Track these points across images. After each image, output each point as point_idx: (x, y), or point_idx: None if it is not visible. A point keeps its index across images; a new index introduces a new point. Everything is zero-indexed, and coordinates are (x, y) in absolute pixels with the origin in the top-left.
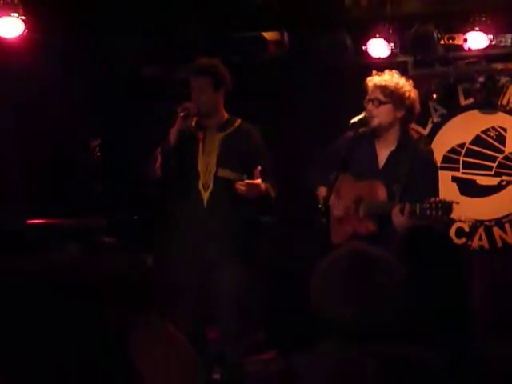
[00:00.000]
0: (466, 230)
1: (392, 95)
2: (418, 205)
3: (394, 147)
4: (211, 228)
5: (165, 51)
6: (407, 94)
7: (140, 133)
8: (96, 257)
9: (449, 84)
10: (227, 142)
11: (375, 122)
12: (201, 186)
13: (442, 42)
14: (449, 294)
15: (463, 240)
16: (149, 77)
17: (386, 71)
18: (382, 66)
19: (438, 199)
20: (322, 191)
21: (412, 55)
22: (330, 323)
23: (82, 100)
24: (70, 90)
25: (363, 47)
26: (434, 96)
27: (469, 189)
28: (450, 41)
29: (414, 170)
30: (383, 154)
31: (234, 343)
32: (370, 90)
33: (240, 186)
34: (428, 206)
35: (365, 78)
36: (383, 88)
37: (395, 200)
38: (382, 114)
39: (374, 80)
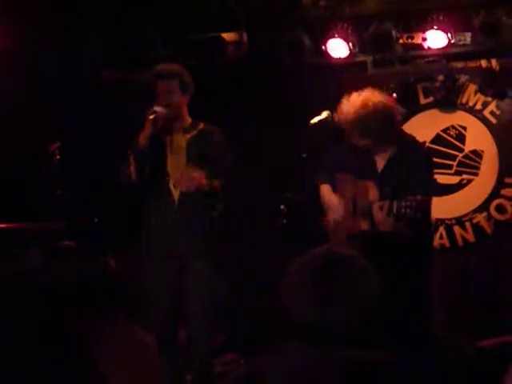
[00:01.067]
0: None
1: (376, 135)
2: (395, 202)
3: (393, 151)
4: (182, 226)
5: (123, 53)
6: (392, 121)
7: (100, 135)
8: (56, 260)
9: (408, 83)
10: (193, 143)
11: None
12: (171, 185)
13: (400, 41)
14: (408, 295)
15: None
16: (108, 78)
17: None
18: (341, 65)
19: (415, 198)
20: (326, 190)
21: (371, 54)
22: (297, 323)
23: (41, 102)
24: (28, 92)
25: (322, 47)
26: (394, 95)
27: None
28: (409, 40)
29: (413, 169)
30: (382, 157)
31: (203, 342)
32: (348, 133)
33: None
34: (404, 204)
35: (324, 78)
36: (363, 131)
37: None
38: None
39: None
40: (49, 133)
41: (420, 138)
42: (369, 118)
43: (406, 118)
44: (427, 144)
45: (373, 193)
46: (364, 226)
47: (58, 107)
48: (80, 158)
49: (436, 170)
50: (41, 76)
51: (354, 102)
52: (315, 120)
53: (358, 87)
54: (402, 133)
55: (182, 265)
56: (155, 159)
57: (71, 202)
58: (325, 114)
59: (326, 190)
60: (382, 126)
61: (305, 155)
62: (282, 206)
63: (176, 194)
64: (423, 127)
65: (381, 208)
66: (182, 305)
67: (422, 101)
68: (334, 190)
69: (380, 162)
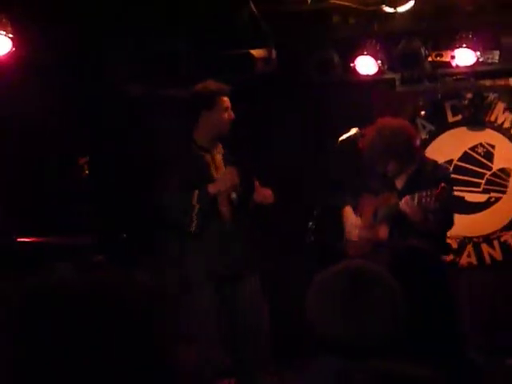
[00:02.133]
0: (455, 246)
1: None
2: (416, 194)
3: (412, 170)
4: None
5: (152, 66)
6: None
7: (128, 150)
8: (92, 274)
9: (437, 101)
10: (225, 161)
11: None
12: (221, 206)
13: (429, 58)
14: (437, 312)
15: (451, 257)
16: (137, 93)
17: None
18: (369, 82)
19: (433, 189)
20: (348, 211)
21: (399, 72)
22: (327, 340)
23: (70, 117)
24: (57, 107)
25: (351, 64)
26: (422, 113)
27: (457, 205)
28: (438, 57)
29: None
30: (401, 177)
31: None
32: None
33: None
34: (424, 194)
35: (353, 95)
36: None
37: None
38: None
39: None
40: (78, 147)
41: (448, 155)
42: (390, 142)
43: (434, 136)
44: (455, 162)
45: (394, 200)
46: (383, 232)
47: (88, 121)
48: (108, 172)
49: (464, 188)
50: (68, 89)
51: (377, 127)
52: (344, 137)
53: (387, 104)
54: (422, 154)
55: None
56: (202, 180)
57: (99, 216)
58: (354, 131)
59: (347, 211)
60: (402, 152)
61: (333, 171)
62: (311, 223)
63: (227, 214)
64: (451, 145)
65: (409, 199)
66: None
67: (450, 119)
68: (356, 211)
69: (399, 182)
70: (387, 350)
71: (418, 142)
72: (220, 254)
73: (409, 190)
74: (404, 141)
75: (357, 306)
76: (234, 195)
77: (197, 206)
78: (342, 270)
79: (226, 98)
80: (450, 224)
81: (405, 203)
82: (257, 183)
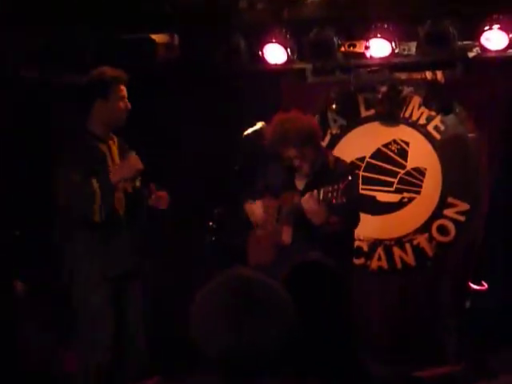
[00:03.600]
0: (365, 249)
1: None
2: (321, 189)
3: (312, 171)
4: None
5: (48, 52)
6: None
7: (20, 139)
8: None
9: (349, 93)
10: (122, 150)
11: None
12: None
13: (342, 48)
14: (330, 329)
15: (362, 260)
16: (30, 78)
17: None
18: (279, 72)
19: (339, 183)
20: (254, 207)
21: (310, 62)
22: (211, 357)
23: None
24: None
25: (259, 52)
26: (334, 106)
27: (368, 206)
28: (351, 48)
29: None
30: (301, 180)
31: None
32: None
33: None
34: (330, 189)
35: (262, 86)
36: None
37: None
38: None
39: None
40: None
41: (360, 152)
42: (290, 127)
43: (346, 131)
44: (367, 159)
45: (297, 199)
46: (286, 235)
47: None
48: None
49: (375, 187)
50: None
51: (275, 119)
52: (249, 131)
53: (297, 96)
54: (325, 152)
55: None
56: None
57: None
58: (259, 125)
59: (250, 207)
60: (303, 136)
61: (237, 168)
62: (211, 223)
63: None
64: (363, 141)
65: (309, 197)
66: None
67: (363, 113)
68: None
69: (301, 181)
70: (273, 366)
71: (319, 133)
72: (113, 251)
73: (312, 188)
74: (303, 125)
75: (241, 319)
76: (138, 183)
77: (98, 193)
78: (225, 281)
79: (122, 87)
80: (356, 222)
81: (305, 201)
82: (152, 185)
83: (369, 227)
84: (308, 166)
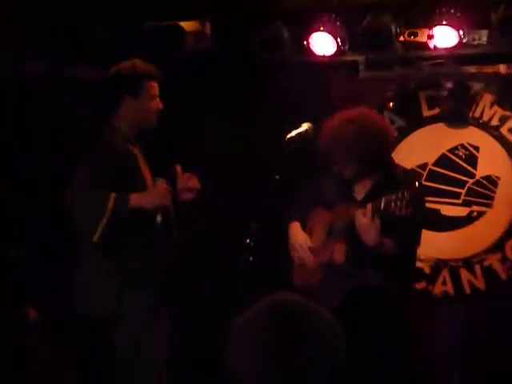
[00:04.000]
0: (427, 271)
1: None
2: (383, 198)
3: (377, 179)
4: None
5: (57, 40)
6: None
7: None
8: None
9: (409, 90)
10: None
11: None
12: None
13: (401, 38)
14: (389, 357)
15: (423, 284)
16: (35, 73)
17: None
18: (326, 66)
19: (403, 193)
20: (295, 227)
21: (364, 53)
22: None
23: None
24: None
25: (304, 42)
26: (391, 105)
27: (431, 220)
28: (412, 37)
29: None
30: (362, 185)
31: None
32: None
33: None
34: (394, 197)
35: (307, 82)
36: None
37: None
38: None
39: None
40: None
41: (421, 158)
42: (354, 140)
43: (405, 133)
44: (430, 166)
45: (353, 212)
46: (339, 253)
47: None
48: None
49: (440, 199)
50: None
51: (336, 120)
52: (293, 134)
53: (348, 93)
54: (391, 160)
55: None
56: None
57: None
58: (305, 127)
59: (294, 228)
60: (371, 151)
61: (277, 177)
62: (248, 240)
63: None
64: (425, 145)
65: (363, 212)
66: None
67: (426, 113)
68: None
69: (360, 192)
70: None
71: (391, 149)
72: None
73: (373, 198)
74: (375, 144)
75: (285, 356)
76: (159, 218)
77: (109, 212)
78: (266, 309)
79: (154, 84)
80: (418, 242)
81: (358, 215)
82: (178, 168)
83: (432, 246)
84: (367, 184)
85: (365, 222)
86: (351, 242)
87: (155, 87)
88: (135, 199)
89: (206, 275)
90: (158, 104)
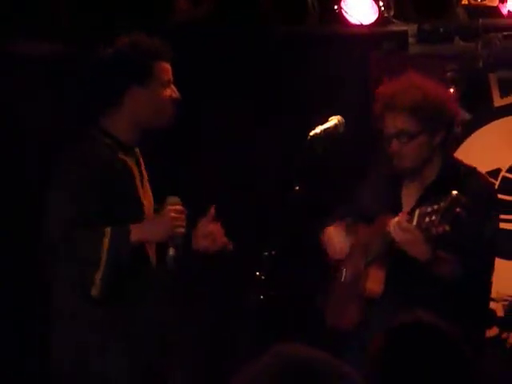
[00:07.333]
0: (500, 314)
1: (426, 118)
2: (417, 210)
3: (432, 179)
4: None
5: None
6: (445, 106)
7: None
8: None
9: (476, 71)
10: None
11: (405, 163)
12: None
13: (464, 0)
14: None
15: (494, 331)
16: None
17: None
18: (365, 38)
19: (439, 203)
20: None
21: (415, 22)
22: None
23: None
24: None
25: (334, 7)
26: (451, 90)
27: (504, 244)
28: (478, 0)
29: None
30: (413, 187)
31: None
32: (388, 120)
33: None
34: (430, 210)
35: (337, 58)
36: (413, 111)
37: None
38: (414, 152)
39: (396, 101)
40: None
41: (492, 162)
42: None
43: (471, 129)
44: (503, 173)
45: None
46: (377, 279)
47: None
48: None
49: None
50: None
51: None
52: (317, 130)
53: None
54: (451, 154)
55: None
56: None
57: None
58: (334, 121)
59: (330, 230)
60: (429, 113)
61: (297, 188)
62: (258, 272)
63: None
64: (497, 145)
65: (398, 222)
66: None
67: (498, 102)
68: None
69: (409, 196)
70: None
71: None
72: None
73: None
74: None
75: None
76: (171, 252)
77: (105, 256)
78: (272, 367)
79: (167, 65)
80: (486, 270)
81: (393, 226)
82: (212, 209)
83: (505, 279)
84: (418, 188)
85: (403, 236)
86: (391, 266)
87: (168, 70)
88: (136, 231)
89: (209, 317)
90: (173, 92)
